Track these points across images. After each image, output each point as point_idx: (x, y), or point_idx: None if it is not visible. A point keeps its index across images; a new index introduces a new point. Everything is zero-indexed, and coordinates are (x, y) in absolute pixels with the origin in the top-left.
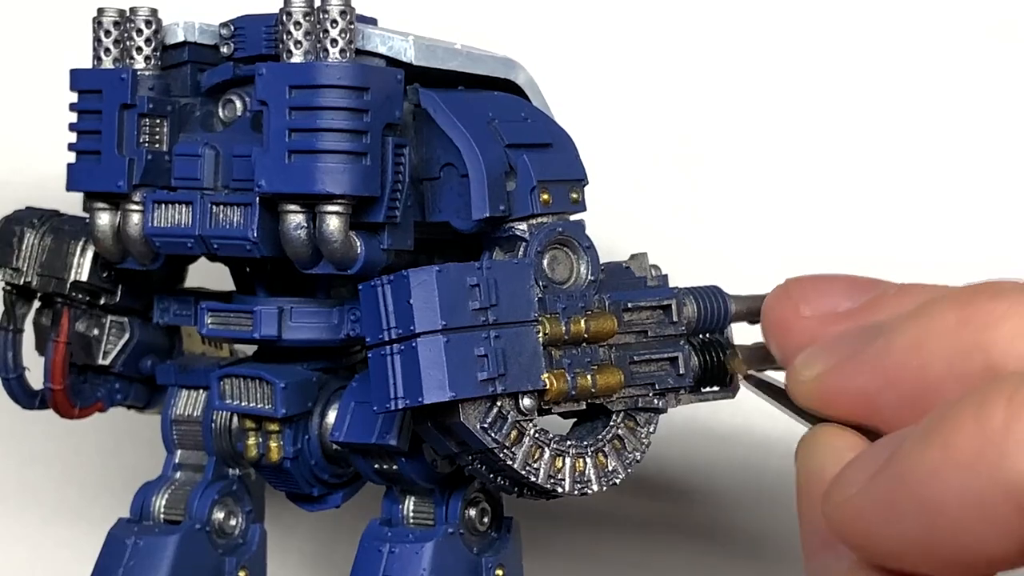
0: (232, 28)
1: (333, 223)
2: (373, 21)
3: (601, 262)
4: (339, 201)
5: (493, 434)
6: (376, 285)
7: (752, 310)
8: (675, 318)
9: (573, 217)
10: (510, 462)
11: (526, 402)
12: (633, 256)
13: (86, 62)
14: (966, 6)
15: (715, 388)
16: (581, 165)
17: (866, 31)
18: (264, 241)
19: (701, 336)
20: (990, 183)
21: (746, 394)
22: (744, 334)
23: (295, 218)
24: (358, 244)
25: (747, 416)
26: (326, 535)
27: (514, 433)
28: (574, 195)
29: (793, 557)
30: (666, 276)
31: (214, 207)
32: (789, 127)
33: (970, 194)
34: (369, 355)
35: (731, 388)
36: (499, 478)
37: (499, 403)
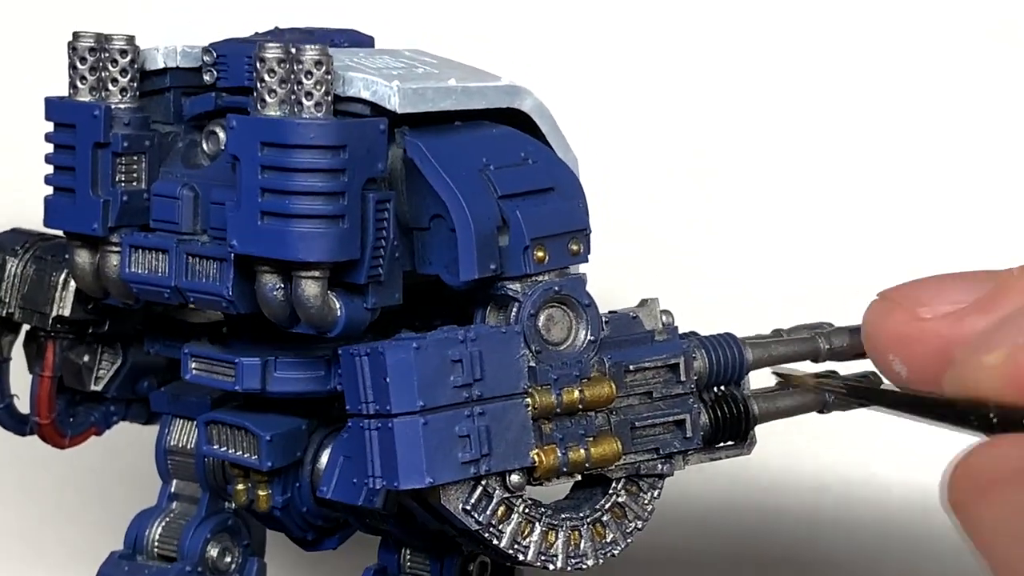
0: (215, 55)
1: (310, 289)
2: (370, 40)
3: (607, 312)
4: (315, 267)
5: (476, 515)
6: (354, 354)
7: (779, 356)
8: (683, 377)
9: (574, 269)
10: (496, 541)
11: (514, 479)
12: (643, 302)
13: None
14: (967, 7)
15: (729, 444)
16: (584, 212)
17: (873, 40)
18: (240, 299)
19: (715, 390)
20: (994, 182)
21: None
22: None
23: (270, 279)
24: (338, 307)
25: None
26: (327, 569)
27: (501, 510)
28: (574, 247)
29: None
30: (676, 328)
31: (190, 258)
32: (799, 137)
33: (977, 196)
34: (350, 423)
35: (746, 444)
36: (488, 551)
37: (484, 482)
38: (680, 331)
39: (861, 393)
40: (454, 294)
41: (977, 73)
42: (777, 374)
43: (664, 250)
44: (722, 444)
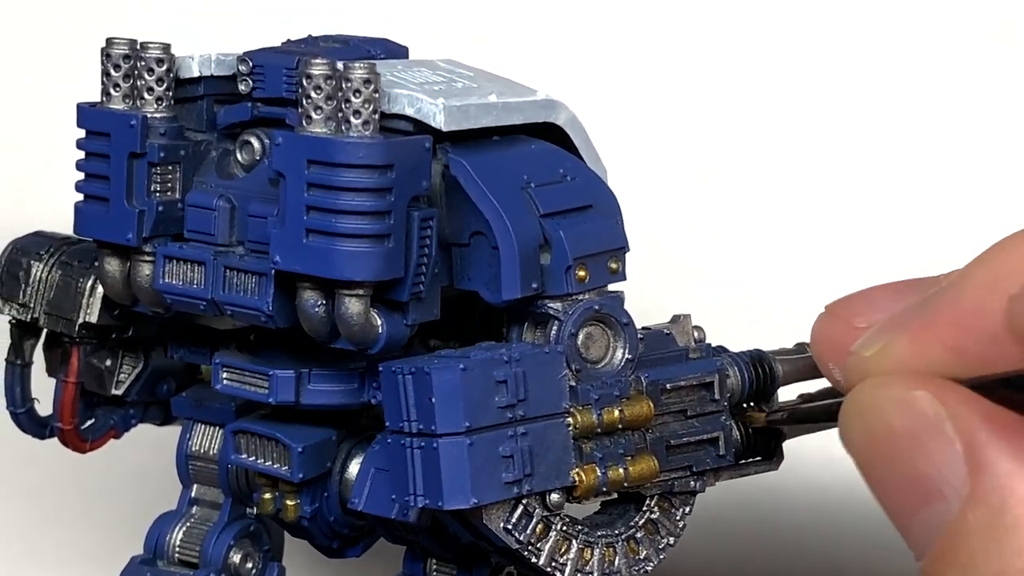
0: (251, 64)
1: (353, 307)
2: (405, 51)
3: (641, 329)
4: (359, 286)
5: (517, 534)
6: (397, 372)
7: (807, 370)
8: (717, 395)
9: (612, 287)
10: (535, 560)
11: (554, 498)
12: (675, 319)
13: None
14: (967, 8)
15: (757, 459)
16: (622, 230)
17: (875, 40)
18: (280, 313)
19: (744, 405)
20: (996, 183)
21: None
22: None
23: (312, 296)
24: (379, 323)
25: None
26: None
27: (540, 528)
28: (613, 265)
29: None
30: (709, 345)
31: (227, 271)
32: (800, 137)
33: (978, 195)
34: (389, 439)
35: (774, 460)
36: (525, 567)
37: (524, 501)
38: (711, 344)
39: (801, 416)
40: (485, 306)
41: (978, 74)
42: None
43: (666, 249)
44: (751, 460)
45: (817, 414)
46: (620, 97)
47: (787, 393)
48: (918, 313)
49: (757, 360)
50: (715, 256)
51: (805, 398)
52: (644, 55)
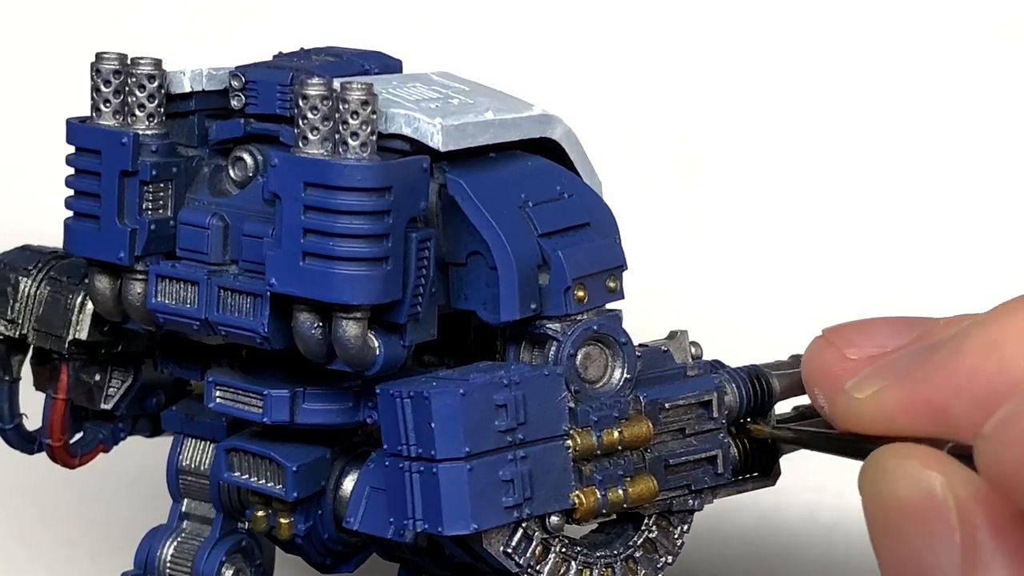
0: (243, 79)
1: (351, 330)
2: (398, 64)
3: (638, 346)
4: (357, 309)
5: (517, 558)
6: (395, 396)
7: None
8: (715, 413)
9: (610, 305)
10: None
11: (553, 520)
12: (672, 335)
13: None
14: (971, 5)
15: (755, 475)
16: (620, 248)
17: (870, 29)
18: (276, 335)
19: (741, 421)
20: (996, 183)
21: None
22: None
23: (309, 318)
24: (377, 345)
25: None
26: None
27: (539, 550)
28: (611, 284)
29: None
30: (706, 362)
31: (222, 291)
32: (791, 127)
33: (976, 195)
34: (387, 462)
35: (772, 476)
36: None
37: (524, 525)
38: (708, 361)
39: (806, 440)
40: (479, 323)
41: (981, 71)
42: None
43: (649, 237)
44: (748, 476)
45: (822, 444)
46: (608, 104)
47: (783, 407)
48: (913, 364)
49: (754, 376)
50: (709, 268)
51: (801, 411)
52: (630, 42)
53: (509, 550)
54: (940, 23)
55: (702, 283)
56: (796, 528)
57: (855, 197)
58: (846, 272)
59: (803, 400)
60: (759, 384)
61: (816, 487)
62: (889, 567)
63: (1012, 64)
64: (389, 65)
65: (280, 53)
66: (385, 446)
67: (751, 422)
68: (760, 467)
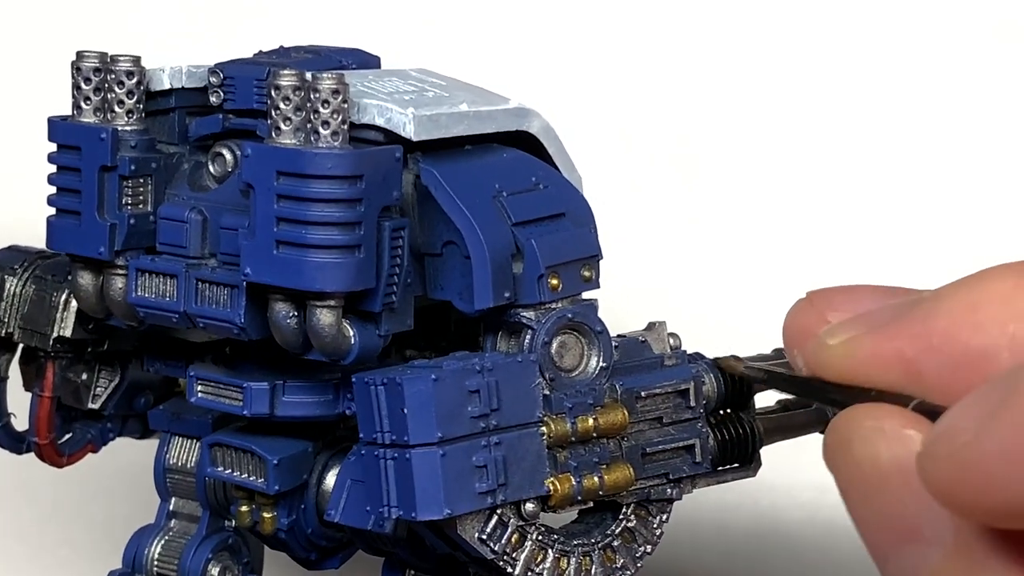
0: (221, 76)
1: (325, 318)
2: (377, 60)
3: (615, 337)
4: (331, 297)
5: (492, 544)
6: (369, 383)
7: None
8: (692, 402)
9: (586, 294)
10: (511, 570)
11: (528, 507)
12: (650, 326)
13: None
14: (970, 7)
15: (735, 466)
16: (595, 238)
17: (870, 29)
18: (252, 325)
19: (721, 412)
20: (996, 184)
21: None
22: None
23: (283, 307)
24: (352, 334)
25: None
26: None
27: (515, 537)
28: (586, 273)
29: None
30: (684, 352)
31: (200, 283)
32: (789, 127)
33: (975, 193)
34: (363, 451)
35: (752, 467)
36: None
37: (499, 511)
38: (686, 351)
39: (776, 380)
40: (460, 316)
41: (981, 71)
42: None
43: (645, 237)
44: (728, 467)
45: (789, 385)
46: (606, 104)
47: (765, 399)
48: (888, 318)
49: None
50: (691, 260)
51: (784, 404)
52: (626, 42)
53: (484, 536)
54: (940, 23)
55: (697, 281)
56: (796, 528)
57: (852, 197)
58: (841, 271)
59: (786, 395)
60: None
61: (816, 487)
62: (872, 534)
63: (1012, 64)
64: (367, 62)
65: (260, 51)
66: (361, 434)
67: (723, 358)
68: (740, 457)
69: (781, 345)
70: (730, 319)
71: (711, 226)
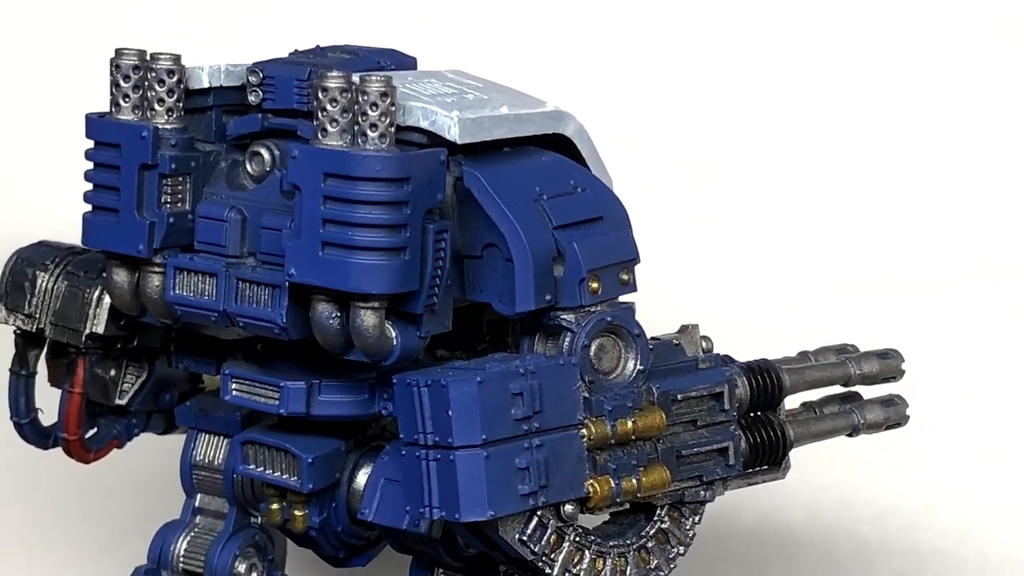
0: (261, 75)
1: (368, 319)
2: (413, 61)
3: (650, 339)
4: (375, 299)
5: (532, 546)
6: (412, 384)
7: (813, 380)
8: (726, 405)
9: (623, 298)
10: (548, 570)
11: (568, 509)
12: (683, 329)
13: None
14: (970, 7)
15: (764, 467)
16: (633, 240)
17: (870, 29)
18: (294, 325)
19: (751, 415)
20: (996, 184)
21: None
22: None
23: (327, 308)
24: (394, 335)
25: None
26: None
27: (553, 539)
28: (624, 276)
29: None
30: (717, 355)
31: (240, 283)
32: (794, 128)
33: (975, 193)
34: (403, 451)
35: (781, 469)
36: None
37: (539, 513)
38: (719, 354)
39: None
40: (493, 316)
41: (981, 71)
42: None
43: (654, 239)
44: (758, 469)
45: None
46: (615, 102)
47: (792, 401)
48: None
49: (764, 370)
50: (715, 266)
51: (808, 406)
52: (636, 43)
53: (524, 538)
54: (940, 23)
55: (709, 281)
56: (796, 528)
57: (858, 197)
58: (851, 270)
59: (811, 395)
60: (769, 377)
61: (817, 487)
62: None
63: (1012, 64)
64: (404, 63)
65: (296, 51)
66: (402, 435)
67: None
68: (770, 459)
69: (801, 348)
70: (743, 317)
71: (721, 225)
